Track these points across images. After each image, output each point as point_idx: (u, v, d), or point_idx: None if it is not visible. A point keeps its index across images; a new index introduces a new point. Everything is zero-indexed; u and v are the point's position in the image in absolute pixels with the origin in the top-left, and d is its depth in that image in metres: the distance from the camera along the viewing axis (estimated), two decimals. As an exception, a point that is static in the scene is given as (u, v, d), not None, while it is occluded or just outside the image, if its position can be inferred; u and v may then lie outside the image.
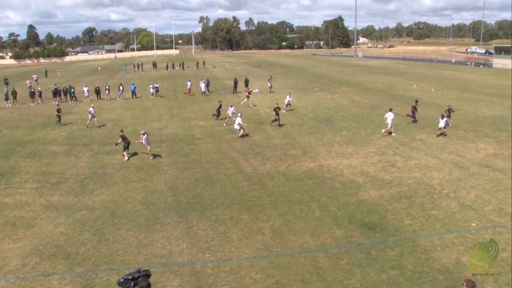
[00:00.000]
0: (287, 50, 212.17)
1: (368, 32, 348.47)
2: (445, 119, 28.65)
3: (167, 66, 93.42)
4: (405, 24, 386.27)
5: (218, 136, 29.60)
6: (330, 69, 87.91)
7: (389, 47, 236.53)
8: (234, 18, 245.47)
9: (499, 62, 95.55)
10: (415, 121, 32.86)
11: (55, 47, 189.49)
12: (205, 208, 17.53)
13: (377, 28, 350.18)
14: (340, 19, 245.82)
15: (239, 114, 29.51)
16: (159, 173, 22.01)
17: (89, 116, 33.86)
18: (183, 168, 22.81)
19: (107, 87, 49.88)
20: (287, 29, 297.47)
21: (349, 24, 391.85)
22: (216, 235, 15.25)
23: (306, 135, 29.37)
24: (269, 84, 52.41)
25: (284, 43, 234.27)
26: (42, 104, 46.90)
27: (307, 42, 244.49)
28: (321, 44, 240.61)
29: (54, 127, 34.40)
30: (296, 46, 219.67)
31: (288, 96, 39.20)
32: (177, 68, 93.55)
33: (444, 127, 28.68)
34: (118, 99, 48.52)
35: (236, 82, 52.20)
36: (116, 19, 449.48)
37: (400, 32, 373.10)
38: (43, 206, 18.16)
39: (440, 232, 15.10)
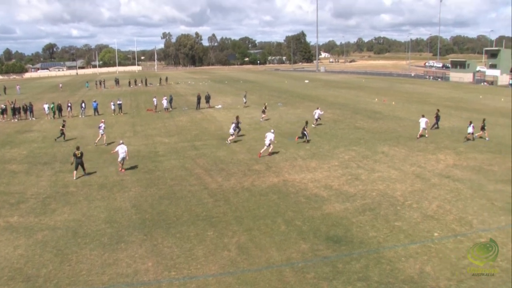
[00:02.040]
0: (250, 66, 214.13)
1: (330, 47, 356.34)
2: (472, 125, 31.57)
3: (129, 82, 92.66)
4: (366, 39, 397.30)
5: (182, 153, 29.54)
6: (293, 84, 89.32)
7: (350, 61, 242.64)
8: (197, 34, 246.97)
9: (455, 75, 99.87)
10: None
11: (14, 63, 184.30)
12: (170, 225, 17.44)
13: (338, 43, 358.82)
14: (302, 34, 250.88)
15: (272, 130, 29.02)
16: (123, 191, 21.75)
17: (100, 132, 32.84)
18: (147, 185, 22.64)
19: (69, 104, 49.01)
20: (250, 45, 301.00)
21: (311, 39, 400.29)
22: (182, 253, 15.19)
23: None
24: (244, 100, 53.62)
25: (246, 59, 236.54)
26: (4, 121, 45.64)
27: (269, 58, 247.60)
28: (284, 59, 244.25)
29: (13, 145, 33.47)
30: (258, 62, 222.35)
31: (318, 110, 39.32)
32: (139, 84, 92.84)
33: (472, 133, 31.55)
34: (80, 116, 47.64)
35: (199, 98, 52.39)
36: (77, 35, 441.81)
37: (361, 47, 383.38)
38: (1, 227, 17.58)
39: (404, 243, 15.55)
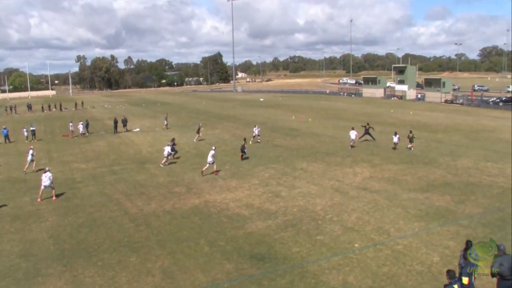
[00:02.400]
0: (167, 88, 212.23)
1: (246, 67, 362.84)
2: (398, 135, 35.70)
3: (42, 107, 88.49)
4: (281, 58, 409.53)
5: (101, 178, 28.61)
6: (211, 105, 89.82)
7: (267, 80, 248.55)
8: (112, 56, 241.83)
9: (368, 91, 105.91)
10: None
11: None
12: (91, 254, 16.78)
13: (254, 62, 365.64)
14: (218, 55, 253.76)
15: (213, 147, 30.05)
16: (39, 221, 20.59)
17: (28, 159, 30.84)
18: (65, 214, 21.63)
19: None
20: (167, 67, 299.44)
21: (228, 59, 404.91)
22: (104, 281, 14.65)
23: (189, 172, 29.54)
24: (165, 122, 53.26)
25: (164, 81, 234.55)
26: None
27: (187, 79, 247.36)
28: (201, 80, 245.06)
29: None
30: (176, 83, 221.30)
31: (256, 127, 41.02)
32: (54, 109, 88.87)
33: (396, 143, 35.44)
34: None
35: (116, 122, 51.11)
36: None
37: (276, 66, 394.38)
38: None
39: (327, 256, 16.08)
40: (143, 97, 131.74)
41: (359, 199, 22.54)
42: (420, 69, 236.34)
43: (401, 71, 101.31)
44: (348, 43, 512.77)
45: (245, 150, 33.16)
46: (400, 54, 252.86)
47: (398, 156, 32.96)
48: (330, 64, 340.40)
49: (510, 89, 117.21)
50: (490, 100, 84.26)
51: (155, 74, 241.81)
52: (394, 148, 35.58)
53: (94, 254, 16.87)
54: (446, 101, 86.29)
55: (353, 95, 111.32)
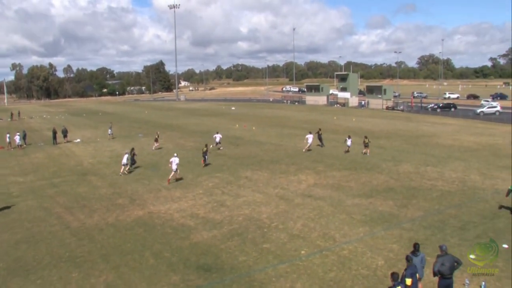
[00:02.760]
0: (109, 97, 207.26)
1: (189, 76, 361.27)
2: (351, 139, 38.15)
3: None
4: (225, 67, 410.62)
5: (40, 192, 27.56)
6: (153, 114, 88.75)
7: (210, 89, 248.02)
8: (51, 65, 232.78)
9: (311, 99, 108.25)
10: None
11: None
12: (29, 272, 16.13)
13: (198, 71, 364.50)
14: (161, 63, 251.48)
15: (175, 154, 30.23)
16: (-34, 241, 19.48)
17: None
18: (0, 230, 20.64)
19: None
20: (108, 76, 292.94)
21: (170, 68, 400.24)
22: (38, 303, 14.08)
23: (132, 183, 29.05)
24: (109, 131, 52.25)
25: (105, 90, 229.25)
26: None
27: (128, 88, 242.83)
28: (143, 89, 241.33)
29: None
30: (117, 93, 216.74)
31: (218, 134, 42.29)
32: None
33: (349, 146, 37.82)
34: None
35: (55, 133, 49.41)
36: None
37: (220, 74, 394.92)
38: None
39: (274, 264, 16.28)
40: (84, 107, 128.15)
41: (304, 206, 22.99)
42: (361, 76, 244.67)
43: (343, 78, 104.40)
44: (291, 51, 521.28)
45: (206, 157, 33.85)
46: (342, 62, 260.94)
47: (342, 162, 33.90)
48: (273, 72, 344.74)
49: (447, 96, 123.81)
50: (429, 106, 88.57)
51: (96, 83, 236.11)
52: (347, 151, 37.68)
53: (32, 271, 16.24)
54: (387, 108, 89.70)
55: (296, 103, 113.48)
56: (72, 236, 19.62)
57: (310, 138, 39.10)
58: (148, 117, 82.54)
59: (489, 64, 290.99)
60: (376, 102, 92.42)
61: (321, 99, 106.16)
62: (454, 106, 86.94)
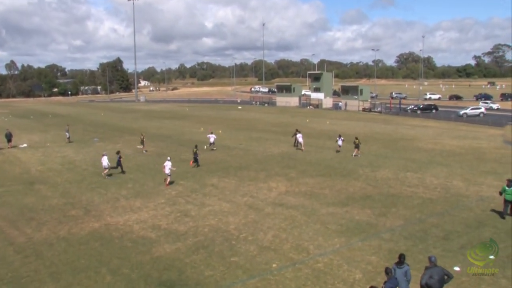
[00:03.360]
0: (60, 97, 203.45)
1: (150, 75, 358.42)
2: (342, 138, 40.65)
3: None
4: (188, 65, 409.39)
5: (-27, 205, 26.71)
6: (110, 116, 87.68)
7: (172, 89, 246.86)
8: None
9: (282, 100, 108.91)
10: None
11: None
12: (-43, 299, 15.59)
13: (159, 69, 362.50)
14: (118, 61, 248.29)
15: (168, 158, 31.15)
16: None
17: None
18: None
19: None
20: (59, 73, 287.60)
21: (129, 66, 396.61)
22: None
23: (87, 192, 28.59)
24: (67, 135, 51.93)
25: (55, 89, 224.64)
26: None
27: (82, 88, 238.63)
28: (99, 89, 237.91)
29: None
30: (70, 93, 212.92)
31: (212, 135, 44.30)
32: None
33: (340, 146, 40.40)
34: None
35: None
36: None
37: (183, 73, 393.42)
38: None
39: (243, 279, 16.26)
40: (31, 108, 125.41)
41: (275, 215, 23.07)
42: (336, 75, 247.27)
43: (316, 78, 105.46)
44: (260, 49, 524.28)
45: (198, 158, 35.76)
46: (315, 60, 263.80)
47: (315, 168, 34.21)
48: (241, 71, 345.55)
49: (427, 97, 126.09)
50: (408, 108, 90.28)
51: (45, 81, 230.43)
52: (338, 151, 40.42)
53: (-34, 296, 15.75)
54: (364, 109, 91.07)
55: (266, 104, 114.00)
56: (17, 254, 19.09)
57: (299, 137, 42.68)
58: (105, 119, 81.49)
59: (473, 62, 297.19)
60: (352, 104, 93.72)
61: (292, 100, 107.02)
62: (436, 107, 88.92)
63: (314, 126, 61.74)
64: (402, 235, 20.15)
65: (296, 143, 43.76)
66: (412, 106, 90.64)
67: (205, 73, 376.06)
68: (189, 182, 30.53)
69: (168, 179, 30.10)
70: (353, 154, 38.69)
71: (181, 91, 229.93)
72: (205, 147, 43.39)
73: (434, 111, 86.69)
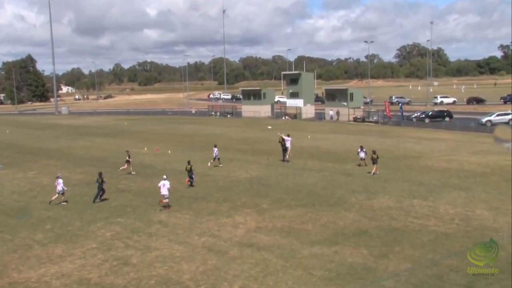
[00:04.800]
0: None
1: (75, 78, 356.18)
2: (364, 150, 43.63)
3: None
4: (126, 66, 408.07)
5: None
6: (19, 135, 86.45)
7: (105, 97, 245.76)
8: None
9: (249, 109, 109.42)
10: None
11: None
12: None
13: (87, 71, 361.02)
14: (29, 59, 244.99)
15: (164, 177, 33.16)
16: None
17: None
18: None
19: None
20: None
21: (45, 67, 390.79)
22: None
23: (-16, 236, 27.95)
24: None
25: None
26: None
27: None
28: (2, 98, 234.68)
29: None
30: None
31: (215, 148, 48.43)
32: None
33: (363, 159, 43.54)
34: None
35: None
36: None
37: (119, 76, 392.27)
38: None
39: None
40: None
41: (243, 260, 22.90)
42: (319, 76, 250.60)
43: (293, 80, 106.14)
44: (220, 43, 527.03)
45: (193, 176, 38.57)
46: (292, 57, 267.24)
47: (294, 196, 34.20)
48: (196, 73, 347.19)
49: (438, 101, 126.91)
50: (413, 115, 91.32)
51: None
52: (360, 165, 43.76)
53: None
54: (355, 119, 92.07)
55: (229, 115, 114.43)
56: None
57: (288, 142, 47.79)
58: (11, 138, 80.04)
59: (499, 54, 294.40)
60: (340, 112, 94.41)
61: (263, 110, 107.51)
62: (449, 114, 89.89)
63: (292, 142, 61.84)
64: (410, 283, 20.09)
65: (285, 154, 47.70)
66: (418, 114, 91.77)
67: (148, 76, 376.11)
68: (129, 219, 30.12)
69: (167, 201, 32.35)
70: (372, 172, 40.33)
71: (118, 99, 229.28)
72: (209, 163, 46.76)
73: (447, 119, 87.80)
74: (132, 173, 44.80)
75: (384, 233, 26.04)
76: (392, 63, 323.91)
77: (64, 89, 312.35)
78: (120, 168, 45.48)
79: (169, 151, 56.46)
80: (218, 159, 46.98)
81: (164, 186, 32.19)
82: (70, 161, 53.42)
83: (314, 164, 45.56)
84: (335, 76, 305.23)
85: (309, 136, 67.97)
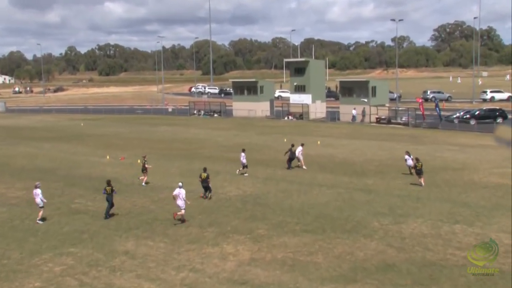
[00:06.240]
0: None
1: (14, 65, 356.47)
2: (411, 156, 45.00)
3: None
4: (82, 49, 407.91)
5: None
6: None
7: (55, 90, 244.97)
8: None
9: (242, 106, 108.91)
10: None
11: None
12: None
13: (30, 56, 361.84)
14: None
15: (180, 184, 35.36)
16: None
17: None
18: None
19: None
20: None
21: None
22: None
23: None
24: None
25: None
26: None
27: None
28: None
29: None
30: None
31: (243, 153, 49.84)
32: None
33: (413, 166, 43.73)
34: None
35: None
36: None
37: (74, 63, 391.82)
38: None
39: None
40: None
41: (234, 302, 22.80)
42: (332, 65, 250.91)
43: (299, 69, 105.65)
44: (205, 22, 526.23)
45: (210, 186, 40.46)
46: (297, 40, 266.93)
47: (300, 218, 34.09)
48: (175, 60, 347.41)
49: (487, 96, 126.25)
50: (454, 115, 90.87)
51: None
52: (411, 173, 44.95)
53: None
54: (378, 120, 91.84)
55: (216, 115, 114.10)
56: None
57: (300, 152, 50.66)
58: None
59: None
60: (357, 111, 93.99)
61: (260, 108, 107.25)
62: (502, 114, 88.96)
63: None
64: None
65: (290, 163, 49.55)
66: (461, 113, 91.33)
67: (112, 63, 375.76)
68: (85, 248, 29.91)
69: (183, 212, 34.31)
70: (419, 184, 41.49)
71: (72, 93, 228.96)
72: (237, 171, 49.21)
73: (499, 120, 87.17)
74: (143, 184, 46.26)
75: (417, 269, 25.92)
76: (427, 48, 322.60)
77: (0, 79, 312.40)
78: (140, 178, 46.69)
79: (138, 161, 56.34)
80: (246, 166, 49.16)
81: (180, 195, 34.04)
82: (6, 173, 53.16)
83: (325, 178, 45.45)
84: (352, 65, 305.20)
85: (318, 142, 67.85)
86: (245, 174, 48.76)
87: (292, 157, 50.14)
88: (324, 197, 39.49)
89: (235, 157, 56.35)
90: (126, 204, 39.07)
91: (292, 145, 51.05)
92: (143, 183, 46.02)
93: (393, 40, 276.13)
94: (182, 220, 34.17)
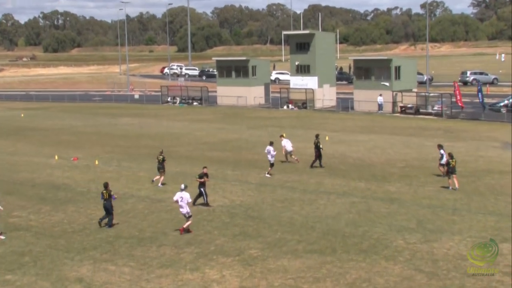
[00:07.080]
0: None
1: None
2: (444, 152, 46.06)
3: None
4: (23, 18, 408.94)
5: None
6: None
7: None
8: None
9: (227, 92, 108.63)
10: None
11: None
12: None
13: None
14: None
15: (182, 187, 36.59)
16: None
17: None
18: None
19: None
20: None
21: None
22: None
23: None
24: None
25: None
26: None
27: None
28: None
29: None
30: None
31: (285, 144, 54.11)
32: None
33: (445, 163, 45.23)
34: None
35: None
36: None
37: (11, 36, 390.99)
38: None
39: None
40: None
41: None
42: (345, 39, 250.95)
43: (302, 44, 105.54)
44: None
45: (205, 191, 41.76)
46: (299, 7, 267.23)
47: (303, 236, 34.11)
48: (142, 33, 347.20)
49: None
50: (501, 103, 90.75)
51: None
52: (444, 175, 45.82)
53: None
54: (403, 110, 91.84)
55: (195, 103, 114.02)
56: None
57: (288, 143, 51.67)
58: None
59: None
60: (375, 98, 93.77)
61: (251, 93, 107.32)
62: None
63: (299, 147, 61.78)
64: None
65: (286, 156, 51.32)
66: (511, 100, 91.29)
67: (61, 36, 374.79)
68: (26, 275, 29.89)
69: (190, 221, 35.52)
70: (450, 187, 42.45)
71: (8, 74, 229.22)
72: (266, 173, 50.68)
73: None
74: (159, 185, 48.10)
75: (454, 301, 26.05)
76: (466, 16, 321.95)
77: None
78: (154, 179, 47.76)
79: (96, 162, 56.43)
80: (272, 165, 51.31)
81: (183, 201, 35.18)
82: None
83: (335, 183, 45.54)
84: (370, 39, 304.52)
85: (327, 138, 67.83)
86: (267, 175, 50.15)
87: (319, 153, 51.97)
88: (334, 208, 39.50)
89: (221, 158, 56.62)
90: (81, 218, 39.15)
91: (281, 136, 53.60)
92: (159, 184, 47.14)
93: (422, 6, 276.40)
94: (188, 230, 35.25)
